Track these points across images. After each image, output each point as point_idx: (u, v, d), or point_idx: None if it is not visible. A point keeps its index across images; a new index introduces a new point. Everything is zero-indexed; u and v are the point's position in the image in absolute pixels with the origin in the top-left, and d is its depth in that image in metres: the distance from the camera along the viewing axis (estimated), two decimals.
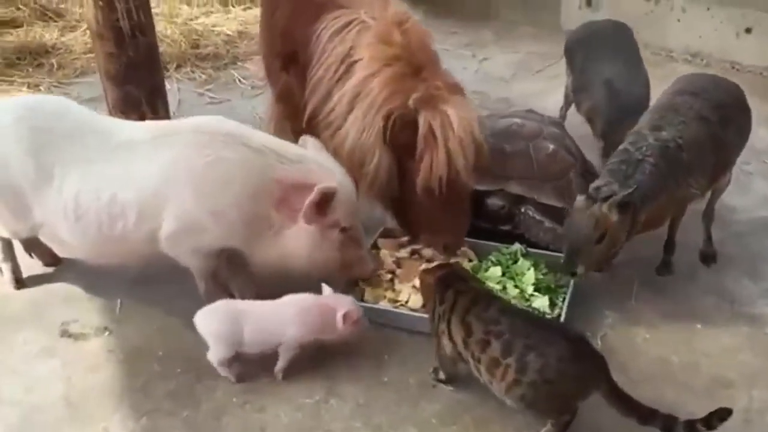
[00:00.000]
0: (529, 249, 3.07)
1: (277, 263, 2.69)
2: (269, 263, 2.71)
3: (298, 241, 2.63)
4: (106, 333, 2.81)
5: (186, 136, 2.69)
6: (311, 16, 2.99)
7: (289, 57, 3.16)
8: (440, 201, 2.79)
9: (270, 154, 2.63)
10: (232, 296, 2.80)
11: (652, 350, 2.71)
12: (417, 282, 2.80)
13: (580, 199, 2.70)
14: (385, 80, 2.79)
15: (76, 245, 2.78)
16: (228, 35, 5.90)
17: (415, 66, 2.84)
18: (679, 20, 5.38)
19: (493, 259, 3.00)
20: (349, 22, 2.93)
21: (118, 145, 2.70)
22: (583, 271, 2.71)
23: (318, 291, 2.64)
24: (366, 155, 2.82)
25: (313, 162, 2.68)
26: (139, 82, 3.91)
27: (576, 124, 3.91)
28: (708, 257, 3.19)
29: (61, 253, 3.15)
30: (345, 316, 2.51)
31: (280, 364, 2.55)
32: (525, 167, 3.27)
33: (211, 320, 2.54)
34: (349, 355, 2.66)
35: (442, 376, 2.54)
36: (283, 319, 2.53)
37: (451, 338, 2.37)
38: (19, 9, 6.04)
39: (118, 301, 2.96)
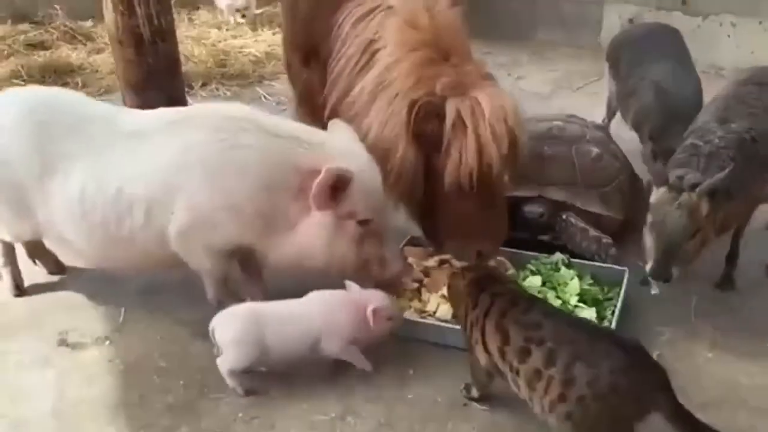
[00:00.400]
0: (572, 259, 2.77)
1: (292, 261, 2.43)
2: (285, 261, 2.45)
3: (311, 234, 2.37)
4: (107, 342, 2.57)
5: (200, 121, 2.47)
6: (333, 6, 2.78)
7: (310, 51, 2.96)
8: (471, 200, 2.50)
9: (291, 140, 2.39)
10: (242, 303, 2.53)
11: (717, 371, 2.38)
12: (446, 291, 2.52)
13: (661, 192, 2.38)
14: (410, 66, 2.56)
15: (82, 247, 2.56)
16: (256, 56, 5.78)
17: (443, 51, 2.61)
18: (729, 36, 5.10)
19: (532, 268, 2.71)
20: (374, 8, 2.71)
21: (127, 135, 2.48)
22: (678, 275, 2.36)
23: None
24: (389, 149, 2.55)
25: (336, 146, 2.42)
26: (158, 89, 3.76)
27: (620, 136, 3.63)
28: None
29: (66, 259, 2.94)
30: (375, 312, 2.25)
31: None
32: (567, 172, 3.00)
33: (231, 325, 2.26)
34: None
35: (475, 393, 2.23)
36: (310, 319, 2.27)
37: (485, 348, 2.07)
38: (48, 32, 6.02)
39: (122, 310, 2.73)
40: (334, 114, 2.77)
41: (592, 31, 5.83)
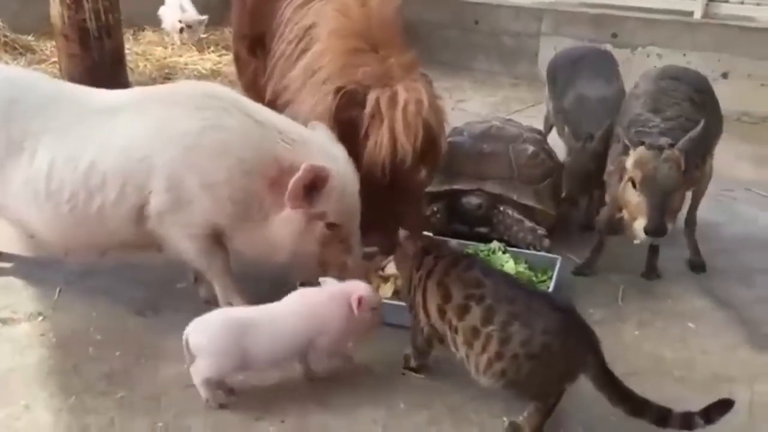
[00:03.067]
0: (508, 248, 2.86)
1: (259, 250, 2.39)
2: (249, 249, 2.41)
3: (281, 228, 2.32)
4: (40, 318, 2.52)
5: (184, 96, 2.41)
6: None
7: (256, 40, 3.02)
8: (386, 191, 2.50)
9: (272, 130, 2.34)
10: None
11: (644, 346, 2.49)
12: (387, 270, 2.58)
13: (640, 151, 2.47)
14: (337, 55, 2.62)
15: (44, 229, 2.44)
16: (201, 72, 5.80)
17: (372, 42, 2.66)
18: (655, 66, 5.37)
19: (470, 251, 2.78)
20: None
21: (100, 110, 2.39)
22: (671, 230, 2.47)
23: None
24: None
25: (317, 145, 2.37)
26: (102, 86, 3.74)
27: (555, 145, 3.79)
28: (697, 265, 3.00)
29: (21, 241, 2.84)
30: (360, 301, 2.15)
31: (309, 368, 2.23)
32: (504, 168, 3.12)
33: (207, 332, 2.08)
34: None
35: (412, 363, 2.27)
36: (296, 321, 2.15)
37: (425, 309, 2.11)
38: None
39: (57, 289, 2.68)
40: (273, 100, 2.81)
41: (529, 62, 6.07)
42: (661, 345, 2.49)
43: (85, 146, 2.33)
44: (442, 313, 2.06)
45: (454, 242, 2.82)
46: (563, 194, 3.11)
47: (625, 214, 2.59)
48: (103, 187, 2.31)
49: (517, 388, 1.97)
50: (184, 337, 2.07)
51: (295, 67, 2.76)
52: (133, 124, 2.35)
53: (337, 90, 2.56)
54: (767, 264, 3.08)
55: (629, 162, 2.50)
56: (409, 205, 2.63)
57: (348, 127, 2.55)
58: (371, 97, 2.53)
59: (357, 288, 2.20)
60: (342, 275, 2.38)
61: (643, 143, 2.49)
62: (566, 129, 3.24)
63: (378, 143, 2.51)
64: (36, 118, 2.38)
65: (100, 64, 3.75)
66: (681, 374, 2.34)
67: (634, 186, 2.48)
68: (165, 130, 2.33)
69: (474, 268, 2.06)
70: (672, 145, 2.47)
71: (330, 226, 2.35)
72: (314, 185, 2.25)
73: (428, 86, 2.72)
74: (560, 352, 1.92)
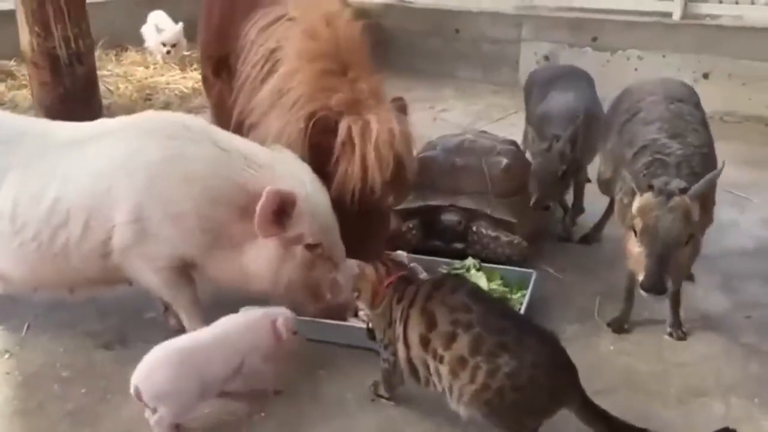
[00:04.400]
0: (483, 264, 2.83)
1: (235, 280, 2.34)
2: (227, 280, 2.37)
3: (257, 257, 2.27)
4: (6, 356, 2.48)
5: (147, 126, 2.38)
6: (242, 16, 2.82)
7: (221, 61, 2.99)
8: (353, 216, 2.47)
9: (238, 157, 2.30)
10: None
11: (618, 360, 2.46)
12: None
13: (646, 197, 2.24)
14: (307, 77, 2.59)
15: (11, 268, 2.38)
16: (182, 91, 5.79)
17: (341, 64, 2.64)
18: (636, 69, 5.37)
19: (443, 271, 2.75)
20: (278, 18, 2.76)
21: (63, 144, 2.35)
22: (672, 288, 2.23)
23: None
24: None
25: (282, 168, 2.33)
26: (74, 114, 3.66)
27: None
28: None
29: None
30: (285, 325, 2.17)
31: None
32: (478, 182, 3.09)
33: (160, 375, 2.00)
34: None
35: (383, 391, 2.21)
36: (233, 342, 2.13)
37: (406, 341, 2.01)
38: None
39: (26, 324, 2.64)
40: (240, 122, 2.78)
41: (510, 69, 6.06)
42: (635, 359, 2.46)
43: (48, 182, 2.29)
44: (425, 342, 1.96)
45: (424, 260, 2.80)
46: (531, 201, 2.98)
47: (629, 263, 2.40)
48: (67, 223, 2.27)
49: (496, 418, 1.91)
50: (132, 389, 2.00)
51: (261, 89, 2.73)
52: (96, 156, 2.31)
53: (310, 116, 2.55)
54: (747, 270, 3.05)
55: (634, 206, 2.29)
56: (376, 230, 2.61)
57: (319, 152, 2.54)
58: (343, 125, 2.52)
59: (279, 312, 2.20)
60: (335, 295, 2.38)
61: (651, 187, 2.25)
62: (530, 133, 3.23)
63: (349, 172, 2.50)
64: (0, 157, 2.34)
65: (72, 91, 3.72)
66: (656, 388, 2.30)
67: (635, 234, 2.27)
68: (129, 161, 2.29)
69: (460, 291, 1.98)
70: (684, 190, 2.23)
71: (310, 247, 2.30)
72: (283, 210, 2.21)
73: (401, 113, 2.70)
74: (545, 387, 1.87)
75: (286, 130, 2.60)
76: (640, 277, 2.22)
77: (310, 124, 2.54)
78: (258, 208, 2.17)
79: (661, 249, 2.19)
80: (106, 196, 2.26)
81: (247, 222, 2.23)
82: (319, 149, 2.53)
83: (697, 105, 2.78)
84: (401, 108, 2.74)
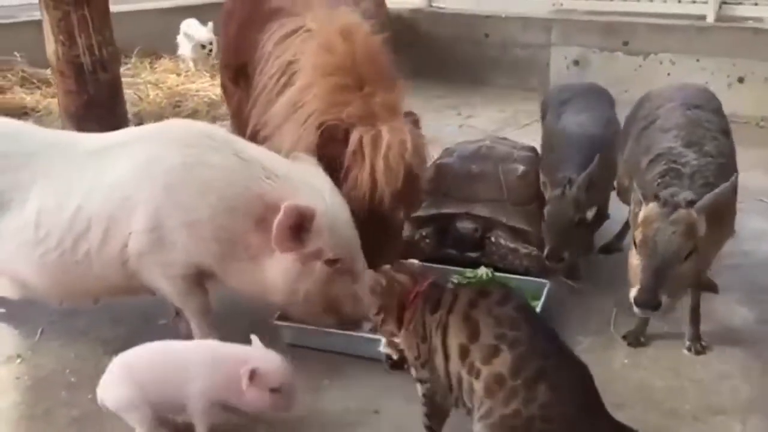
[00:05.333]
0: (496, 273, 2.77)
1: (254, 291, 2.33)
2: (246, 291, 2.36)
3: (274, 270, 2.24)
4: (18, 360, 2.52)
5: (168, 134, 2.40)
6: (259, 26, 2.83)
7: (239, 70, 3.01)
8: (362, 228, 2.40)
9: (257, 167, 2.28)
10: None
11: (633, 375, 2.38)
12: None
13: (651, 207, 2.16)
14: (322, 91, 2.58)
15: (36, 279, 2.40)
16: (211, 98, 5.83)
17: (357, 78, 2.62)
18: (669, 74, 5.25)
19: (455, 281, 2.71)
20: (295, 30, 2.75)
21: (86, 154, 2.37)
22: (669, 305, 2.11)
23: None
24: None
25: (300, 180, 2.30)
26: (99, 121, 3.75)
27: None
28: (709, 286, 2.74)
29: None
30: (252, 374, 1.93)
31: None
32: (493, 189, 3.03)
33: (112, 392, 2.01)
34: None
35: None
36: (186, 368, 2.01)
37: (445, 351, 1.82)
38: (5, 78, 6.06)
39: (39, 330, 2.68)
40: (255, 133, 2.79)
41: (541, 73, 5.97)
42: (651, 373, 2.38)
43: (71, 191, 2.31)
44: (464, 353, 1.78)
45: (436, 269, 2.75)
46: (545, 251, 2.74)
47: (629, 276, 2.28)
48: (88, 232, 2.28)
49: None
50: (99, 403, 2.02)
51: (276, 101, 2.73)
52: (118, 164, 2.33)
53: (320, 125, 2.54)
54: None
55: (639, 217, 2.21)
56: (385, 242, 2.56)
57: (329, 162, 2.51)
58: (355, 135, 2.50)
59: (261, 359, 1.99)
60: (355, 308, 2.31)
61: (657, 197, 2.18)
62: (542, 177, 2.91)
63: (358, 182, 2.48)
64: (24, 169, 2.37)
65: (97, 98, 3.76)
66: (671, 406, 2.22)
67: (635, 246, 2.20)
68: (148, 169, 2.30)
69: (509, 304, 1.82)
70: (692, 203, 2.14)
71: (330, 262, 2.26)
72: (301, 225, 2.18)
73: (413, 126, 2.67)
74: (573, 424, 1.74)
75: (298, 145, 2.59)
76: (633, 292, 2.13)
77: (321, 134, 2.53)
78: (275, 223, 2.14)
79: (658, 263, 2.10)
80: (126, 204, 2.28)
81: (264, 233, 2.21)
82: (329, 160, 2.51)
83: (717, 111, 2.66)
84: (414, 123, 2.71)
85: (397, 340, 1.99)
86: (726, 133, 2.57)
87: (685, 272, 2.14)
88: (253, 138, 2.79)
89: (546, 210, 2.77)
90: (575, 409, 1.75)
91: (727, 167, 2.38)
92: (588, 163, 2.78)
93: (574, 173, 2.76)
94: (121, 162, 2.32)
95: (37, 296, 2.57)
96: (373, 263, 2.35)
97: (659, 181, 2.30)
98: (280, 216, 2.13)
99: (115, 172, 2.31)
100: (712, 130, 2.48)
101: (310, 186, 2.30)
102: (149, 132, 2.49)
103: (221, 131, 2.49)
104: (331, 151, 2.51)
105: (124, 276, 2.35)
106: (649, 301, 2.09)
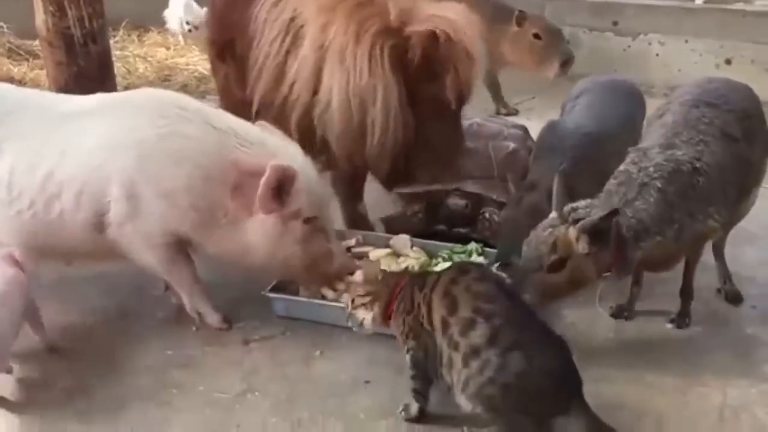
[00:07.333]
0: (485, 248, 2.81)
1: (233, 255, 2.40)
2: (225, 255, 2.41)
3: (255, 233, 2.32)
4: None
5: (140, 104, 2.42)
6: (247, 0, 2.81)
7: (225, 46, 3.00)
8: (448, 121, 2.69)
9: (230, 135, 2.35)
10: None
11: (616, 349, 2.44)
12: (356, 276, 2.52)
13: (550, 217, 2.24)
14: (346, 14, 2.57)
15: (8, 237, 2.42)
16: (201, 73, 5.80)
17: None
18: (657, 54, 5.27)
19: (444, 255, 2.74)
20: None
21: (60, 117, 2.40)
22: (530, 300, 2.13)
23: None
24: (364, 102, 2.56)
25: (274, 145, 2.39)
26: (89, 92, 3.67)
27: None
28: (734, 296, 2.68)
29: None
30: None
31: None
32: (483, 166, 3.05)
33: None
34: (275, 350, 2.40)
35: (414, 410, 2.05)
36: None
37: (431, 320, 1.95)
38: None
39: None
40: (266, 105, 2.76)
41: None
42: (634, 348, 2.44)
43: (43, 153, 2.34)
44: (445, 326, 1.92)
45: (426, 244, 2.81)
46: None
47: None
48: (60, 195, 2.32)
49: (494, 413, 1.88)
50: None
51: (291, 62, 2.70)
52: (92, 129, 2.36)
53: (393, 46, 2.56)
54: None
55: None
56: (462, 137, 2.86)
57: (415, 70, 2.60)
58: (440, 33, 2.55)
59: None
60: (330, 264, 2.43)
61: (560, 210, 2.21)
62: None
63: (460, 68, 2.60)
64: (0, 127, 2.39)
65: (87, 70, 3.73)
66: (652, 378, 2.27)
67: None
68: (121, 138, 2.33)
69: (486, 281, 1.96)
70: (578, 221, 2.15)
71: (307, 221, 2.35)
72: (282, 185, 2.25)
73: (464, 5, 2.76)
74: (550, 396, 1.86)
75: (358, 74, 2.56)
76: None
77: (403, 51, 2.56)
78: (261, 183, 2.22)
79: (521, 264, 2.22)
80: (99, 171, 2.31)
81: (241, 198, 2.29)
82: (417, 69, 2.59)
83: (735, 112, 2.46)
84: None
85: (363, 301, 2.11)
86: (728, 136, 2.41)
87: (554, 281, 2.18)
88: (264, 112, 2.76)
89: (501, 214, 2.75)
90: (551, 381, 1.84)
91: (693, 175, 2.28)
92: (570, 164, 2.58)
93: (546, 176, 2.54)
94: (94, 128, 2.36)
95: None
96: (451, 165, 2.78)
97: (611, 181, 2.31)
98: (266, 175, 2.21)
99: (88, 140, 2.34)
100: (706, 133, 2.37)
101: (283, 150, 2.38)
102: (122, 100, 2.52)
103: (192, 101, 2.53)
104: (414, 59, 2.57)
105: (96, 241, 2.39)
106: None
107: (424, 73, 2.61)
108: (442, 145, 2.70)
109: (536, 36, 4.26)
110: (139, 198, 2.30)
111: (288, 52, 2.70)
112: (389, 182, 2.89)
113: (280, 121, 2.68)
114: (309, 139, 2.69)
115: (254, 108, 2.83)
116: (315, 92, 2.66)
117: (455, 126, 2.77)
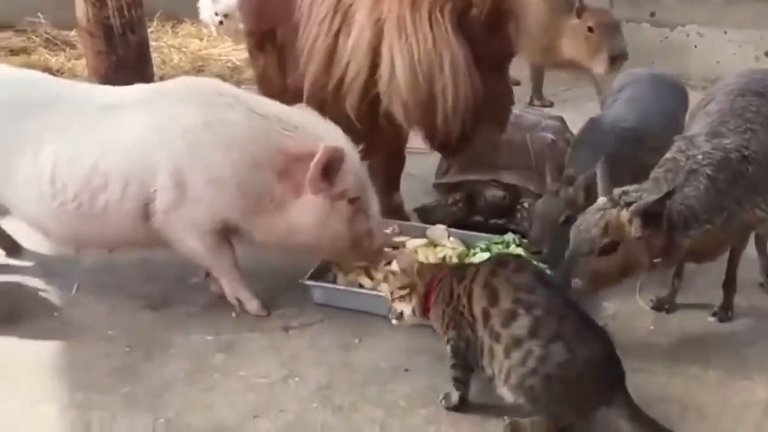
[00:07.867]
0: (523, 239, 2.80)
1: (280, 239, 2.44)
2: (272, 239, 2.46)
3: (303, 214, 2.37)
4: (55, 314, 2.58)
5: (185, 93, 2.45)
6: None
7: (264, 36, 2.98)
8: (505, 74, 2.74)
9: (274, 121, 2.39)
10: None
11: (658, 341, 2.42)
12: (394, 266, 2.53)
13: (600, 201, 2.20)
14: None
15: (53, 227, 2.48)
16: (235, 63, 5.83)
17: None
18: (696, 46, 5.20)
19: (482, 245, 2.74)
20: None
21: (102, 108, 2.41)
22: (579, 286, 2.12)
23: None
24: (433, 68, 2.49)
25: (316, 127, 2.44)
26: (128, 82, 3.70)
27: None
28: None
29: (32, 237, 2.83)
30: None
31: None
32: (521, 158, 3.04)
33: None
34: (314, 337, 2.42)
35: (453, 400, 2.05)
36: None
37: (471, 311, 1.96)
38: (30, 39, 6.08)
39: (75, 284, 2.73)
40: (317, 90, 2.72)
41: None
42: (676, 340, 2.42)
43: (87, 145, 2.36)
44: (486, 317, 1.92)
45: (463, 234, 2.83)
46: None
47: None
48: (106, 187, 2.34)
49: (537, 404, 1.89)
50: None
51: (342, 42, 2.64)
52: (135, 121, 2.38)
53: (463, 9, 2.52)
54: None
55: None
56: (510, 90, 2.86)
57: (477, 28, 2.54)
58: None
59: None
60: (371, 243, 2.48)
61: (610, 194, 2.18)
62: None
63: (522, 20, 2.64)
64: (40, 118, 2.41)
65: (125, 59, 3.79)
66: (695, 372, 2.25)
67: None
68: (167, 127, 2.35)
69: (525, 271, 1.97)
70: (631, 204, 2.11)
71: (352, 201, 2.41)
72: (331, 165, 2.30)
73: None
74: (592, 386, 1.86)
75: (422, 42, 2.49)
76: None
77: (455, 12, 2.50)
78: (312, 164, 2.27)
79: (570, 249, 2.14)
80: (146, 161, 2.34)
81: (287, 182, 2.35)
82: (475, 27, 2.54)
83: None
84: None
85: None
86: None
87: (606, 265, 2.13)
88: (316, 96, 2.72)
89: (537, 204, 2.69)
90: (593, 370, 1.83)
91: (742, 163, 2.26)
92: (608, 159, 2.48)
93: (584, 171, 2.53)
94: (137, 119, 2.38)
95: (55, 244, 2.70)
96: (504, 120, 2.79)
97: (656, 169, 2.28)
98: (317, 156, 2.26)
99: (131, 130, 2.36)
100: (753, 122, 2.34)
101: (327, 132, 2.42)
102: (164, 90, 2.54)
103: (232, 88, 2.57)
104: (472, 17, 2.54)
105: (142, 230, 2.42)
106: (563, 279, 2.12)
107: (488, 28, 2.55)
108: (496, 101, 2.66)
109: (590, 29, 4.14)
110: (187, 186, 2.33)
111: (338, 32, 2.65)
112: (456, 149, 2.79)
113: (332, 104, 2.67)
114: (364, 118, 2.67)
115: (305, 94, 2.77)
116: (373, 70, 2.61)
117: (507, 80, 2.78)
